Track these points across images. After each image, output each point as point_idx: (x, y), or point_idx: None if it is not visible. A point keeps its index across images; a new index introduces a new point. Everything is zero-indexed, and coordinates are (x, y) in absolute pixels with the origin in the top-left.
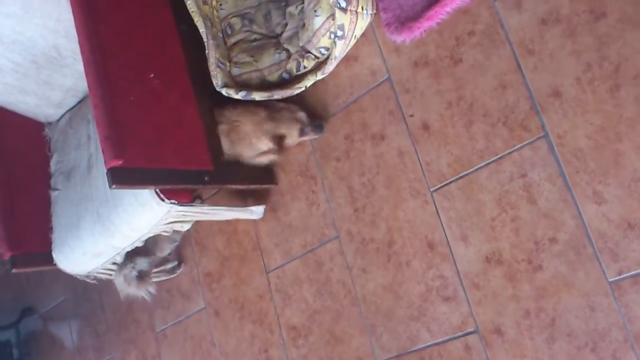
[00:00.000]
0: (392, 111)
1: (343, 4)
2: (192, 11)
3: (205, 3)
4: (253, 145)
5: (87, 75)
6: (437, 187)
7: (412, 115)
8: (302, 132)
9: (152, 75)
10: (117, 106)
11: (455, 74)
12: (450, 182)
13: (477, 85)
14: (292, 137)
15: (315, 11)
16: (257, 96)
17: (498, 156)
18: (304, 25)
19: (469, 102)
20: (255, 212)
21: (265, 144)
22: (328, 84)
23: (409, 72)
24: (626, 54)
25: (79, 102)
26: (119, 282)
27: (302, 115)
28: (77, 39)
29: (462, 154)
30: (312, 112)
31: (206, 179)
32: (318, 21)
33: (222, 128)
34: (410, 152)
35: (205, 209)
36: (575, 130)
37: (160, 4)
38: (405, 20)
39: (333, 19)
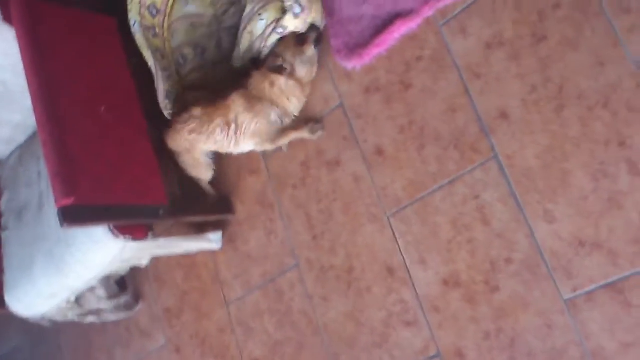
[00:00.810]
0: (346, 137)
1: (297, 10)
2: (140, 45)
3: (155, 36)
4: (276, 104)
5: (35, 111)
6: (393, 211)
7: (365, 141)
8: (301, 41)
9: (103, 108)
10: (68, 142)
11: (406, 99)
12: (406, 206)
13: (428, 109)
14: (296, 52)
15: (259, 15)
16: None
17: (451, 179)
18: (247, 32)
19: (420, 126)
20: (214, 239)
21: (281, 90)
22: None
23: (361, 98)
24: (568, 75)
25: (29, 137)
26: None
27: (286, 42)
28: (24, 74)
29: (416, 177)
30: None
31: (161, 212)
32: (262, 25)
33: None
34: (365, 177)
35: (162, 242)
36: (523, 150)
37: (111, 38)
38: (354, 47)
39: (278, 22)
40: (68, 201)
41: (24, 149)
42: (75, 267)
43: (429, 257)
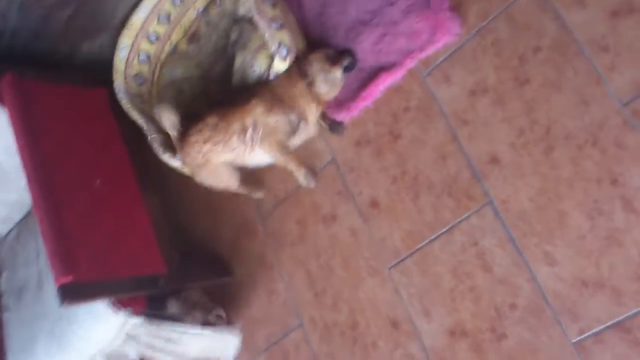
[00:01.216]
0: (340, 191)
1: (284, 52)
2: (127, 107)
3: (143, 102)
4: (297, 110)
5: (31, 191)
6: (393, 263)
7: (360, 194)
8: (331, 61)
9: (98, 182)
10: (64, 219)
11: (397, 150)
12: (406, 257)
13: (419, 158)
14: (325, 74)
15: (252, 67)
16: None
17: (448, 227)
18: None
19: (413, 176)
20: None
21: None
22: (275, 170)
23: (352, 152)
24: (554, 116)
25: (26, 215)
26: None
27: (328, 51)
28: (18, 154)
29: (413, 227)
30: (264, 198)
31: (161, 282)
32: (254, 77)
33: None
34: (362, 230)
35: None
36: (517, 194)
37: (102, 110)
38: (342, 101)
39: (270, 69)
40: (67, 279)
41: (22, 226)
42: (77, 345)
43: (432, 308)
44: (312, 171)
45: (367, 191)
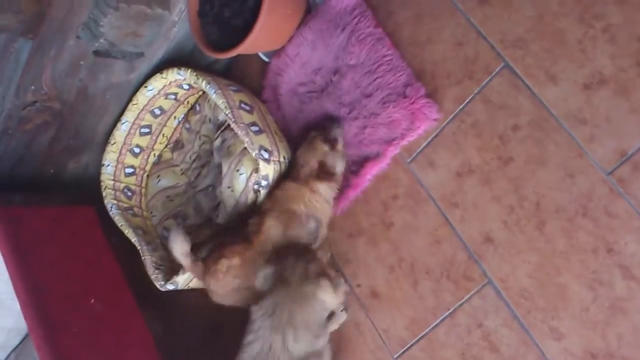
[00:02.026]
0: None
1: (266, 155)
2: (120, 225)
3: (135, 215)
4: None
5: (25, 317)
6: (399, 352)
7: (359, 285)
8: (329, 142)
9: (92, 300)
10: (61, 341)
11: (390, 238)
12: (411, 345)
13: (413, 244)
14: (328, 155)
15: (238, 170)
16: (178, 278)
17: (450, 310)
18: (229, 190)
19: (409, 263)
20: None
21: (321, 195)
22: None
23: (346, 244)
24: (542, 192)
25: (23, 339)
26: None
27: (313, 133)
28: (10, 280)
29: (416, 314)
30: None
31: None
32: (243, 179)
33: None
34: (365, 322)
35: None
36: (515, 271)
37: (90, 227)
38: None
39: (256, 172)
40: None
41: (19, 351)
42: None
43: None
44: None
45: (365, 282)
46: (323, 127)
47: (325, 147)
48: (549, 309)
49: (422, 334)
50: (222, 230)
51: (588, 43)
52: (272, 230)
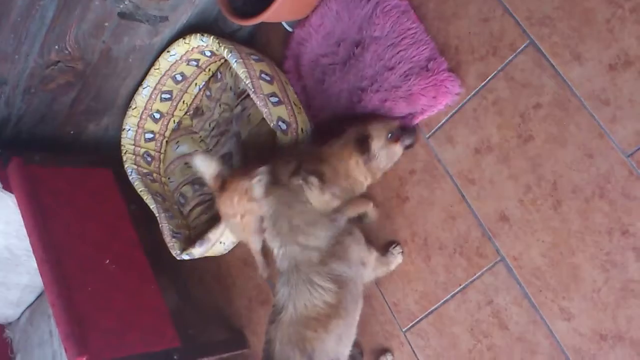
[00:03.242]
0: None
1: (284, 127)
2: (140, 191)
3: (154, 181)
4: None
5: (41, 274)
6: (408, 326)
7: None
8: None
9: (107, 261)
10: (76, 300)
11: (405, 212)
12: (421, 319)
13: (427, 219)
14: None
15: (257, 139)
16: (210, 234)
17: (461, 286)
18: None
19: (423, 238)
20: None
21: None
22: (247, 270)
23: None
24: (560, 171)
25: (38, 296)
26: None
27: (381, 129)
28: (28, 238)
29: (427, 289)
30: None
31: (175, 357)
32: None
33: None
34: (376, 294)
35: None
36: (529, 250)
37: (108, 189)
38: None
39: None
40: None
41: (33, 309)
42: None
43: None
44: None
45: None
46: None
47: (388, 142)
48: (560, 289)
49: (432, 308)
50: None
51: (616, 23)
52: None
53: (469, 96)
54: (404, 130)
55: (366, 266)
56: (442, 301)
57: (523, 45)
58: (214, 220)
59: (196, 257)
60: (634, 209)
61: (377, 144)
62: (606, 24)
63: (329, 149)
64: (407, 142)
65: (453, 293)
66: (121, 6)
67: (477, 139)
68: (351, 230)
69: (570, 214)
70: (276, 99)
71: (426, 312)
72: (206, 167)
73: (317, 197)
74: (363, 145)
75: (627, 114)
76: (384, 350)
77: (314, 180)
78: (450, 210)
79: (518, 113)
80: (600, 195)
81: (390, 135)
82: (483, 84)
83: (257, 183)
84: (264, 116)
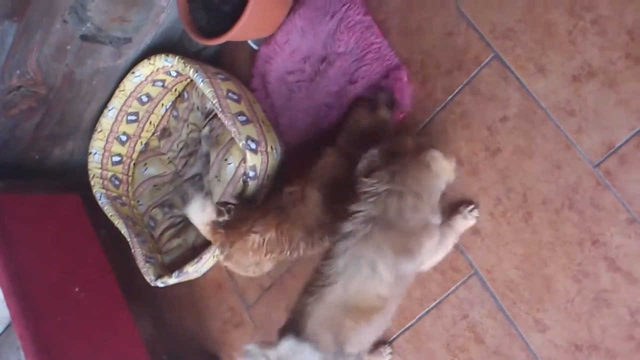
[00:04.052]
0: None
1: (253, 146)
2: (110, 215)
3: (123, 204)
4: None
5: (8, 305)
6: (386, 344)
7: None
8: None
9: (77, 289)
10: (45, 331)
11: None
12: (397, 336)
13: None
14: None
15: (226, 160)
16: (189, 268)
17: (437, 301)
18: (216, 179)
19: None
20: None
21: None
22: (221, 293)
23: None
24: (529, 183)
25: (5, 328)
26: None
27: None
28: None
29: (403, 305)
30: (248, 288)
31: None
32: (231, 169)
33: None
34: None
35: None
36: (501, 263)
37: (76, 215)
38: None
39: (244, 162)
40: None
41: (2, 340)
42: None
43: None
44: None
45: None
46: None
47: (377, 115)
48: (534, 300)
49: (409, 324)
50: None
51: (578, 35)
52: (310, 200)
53: (436, 110)
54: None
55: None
56: (418, 317)
57: (487, 59)
58: (185, 244)
59: (171, 283)
60: (603, 218)
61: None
62: (568, 35)
63: (322, 162)
64: (383, 97)
65: (428, 308)
66: (83, 29)
67: (446, 154)
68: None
69: (540, 225)
70: (244, 118)
71: (402, 329)
72: (201, 213)
73: (445, 167)
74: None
75: (592, 125)
76: None
77: (437, 153)
78: None
79: (485, 126)
80: (569, 206)
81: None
82: (450, 97)
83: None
84: (233, 135)
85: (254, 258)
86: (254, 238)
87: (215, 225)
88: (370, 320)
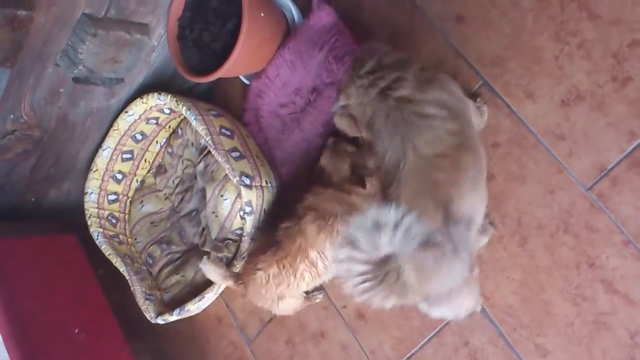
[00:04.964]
0: (325, 307)
1: (247, 182)
2: (108, 254)
3: (121, 243)
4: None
5: (8, 350)
6: None
7: (344, 307)
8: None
9: (77, 330)
10: None
11: None
12: None
13: None
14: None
15: (222, 196)
16: (191, 306)
17: (437, 329)
18: (214, 215)
19: None
20: None
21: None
22: (221, 328)
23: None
24: (523, 208)
25: None
26: None
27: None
28: None
29: (402, 334)
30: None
31: None
32: (227, 204)
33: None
34: (352, 343)
35: None
36: (500, 289)
37: (74, 255)
38: None
39: (240, 198)
40: None
41: None
42: None
43: None
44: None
45: (351, 303)
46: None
47: (350, 148)
48: (533, 325)
49: (410, 354)
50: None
51: (564, 59)
52: (318, 237)
53: None
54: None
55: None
56: (419, 346)
57: (477, 86)
58: (184, 280)
59: (172, 320)
60: (598, 241)
61: (360, 160)
62: (555, 60)
63: (318, 197)
64: None
65: (429, 337)
66: (75, 71)
67: None
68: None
69: (537, 250)
70: (238, 154)
71: (404, 358)
72: (215, 273)
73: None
74: (359, 172)
75: (583, 148)
76: None
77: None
78: None
79: None
80: (564, 230)
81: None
82: None
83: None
84: (227, 172)
85: (268, 295)
86: (261, 275)
87: (232, 275)
88: (460, 165)
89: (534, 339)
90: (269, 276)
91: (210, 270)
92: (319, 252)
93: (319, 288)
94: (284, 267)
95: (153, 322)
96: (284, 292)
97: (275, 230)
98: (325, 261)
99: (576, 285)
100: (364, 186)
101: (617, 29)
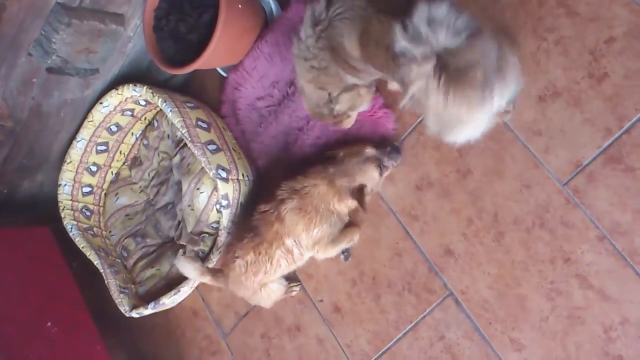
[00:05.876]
0: (301, 300)
1: (224, 175)
2: (82, 247)
3: (95, 235)
4: (336, 213)
5: None
6: None
7: (321, 301)
8: (380, 169)
9: (49, 324)
10: None
11: (352, 252)
12: (375, 359)
13: (374, 258)
14: (373, 181)
15: (198, 189)
16: (166, 299)
17: (412, 324)
18: (190, 208)
19: (371, 277)
20: None
21: (347, 205)
22: (196, 321)
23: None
24: (500, 203)
25: None
26: None
27: (370, 151)
28: None
29: (378, 328)
30: (224, 316)
31: None
32: (203, 197)
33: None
34: (328, 337)
35: None
36: (475, 283)
37: (47, 249)
38: None
39: (216, 191)
40: None
41: None
42: None
43: None
44: (388, 145)
45: (327, 297)
46: (381, 147)
47: (376, 174)
48: (509, 319)
49: (385, 348)
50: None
51: (541, 56)
52: (288, 222)
53: (406, 133)
54: (388, 153)
55: None
56: (395, 340)
57: None
58: (159, 274)
59: (147, 313)
60: (574, 236)
61: (370, 184)
62: (532, 57)
63: (311, 188)
64: (393, 165)
65: (405, 331)
66: (49, 61)
67: (417, 177)
68: None
69: (512, 244)
70: (214, 147)
71: (379, 352)
72: (190, 269)
73: None
74: (361, 193)
75: (559, 144)
76: None
77: None
78: (396, 247)
79: (455, 148)
80: (540, 225)
81: (378, 170)
82: (419, 120)
83: None
84: (203, 165)
85: (247, 283)
86: (239, 263)
87: (208, 270)
88: None
89: (509, 333)
90: (247, 263)
91: (185, 265)
92: (295, 240)
93: (296, 280)
94: (260, 254)
95: (127, 315)
96: (263, 279)
97: (250, 217)
98: (301, 248)
99: (551, 280)
100: (362, 205)
101: (594, 25)
